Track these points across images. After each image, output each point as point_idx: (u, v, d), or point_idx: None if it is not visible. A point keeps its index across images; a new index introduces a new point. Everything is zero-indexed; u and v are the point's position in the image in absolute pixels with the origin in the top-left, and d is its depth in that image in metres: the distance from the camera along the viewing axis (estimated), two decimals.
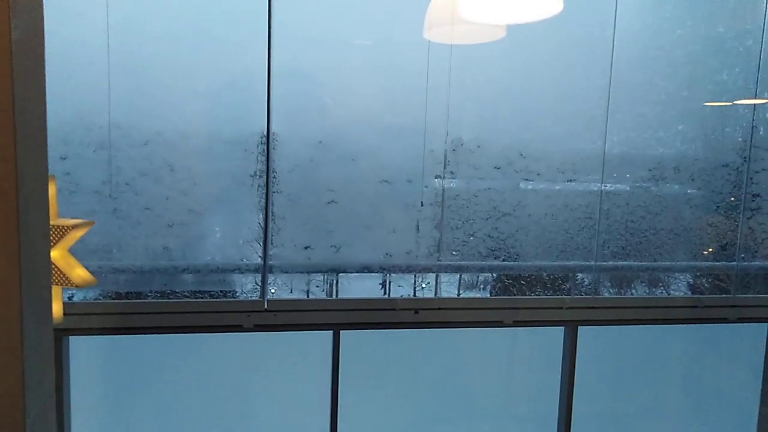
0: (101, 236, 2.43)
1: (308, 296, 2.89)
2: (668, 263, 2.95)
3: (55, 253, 1.47)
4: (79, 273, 1.55)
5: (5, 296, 0.65)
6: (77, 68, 2.34)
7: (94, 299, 2.60)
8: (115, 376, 2.74)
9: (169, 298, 2.58)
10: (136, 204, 2.43)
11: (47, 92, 0.80)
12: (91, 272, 1.69)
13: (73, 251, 1.72)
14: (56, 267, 1.47)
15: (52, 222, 1.46)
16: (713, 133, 2.88)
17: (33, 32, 0.69)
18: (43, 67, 0.72)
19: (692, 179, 2.87)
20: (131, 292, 2.61)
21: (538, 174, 2.74)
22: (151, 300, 2.56)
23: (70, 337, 2.51)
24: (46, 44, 0.79)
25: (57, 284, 1.50)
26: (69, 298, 2.54)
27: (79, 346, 2.55)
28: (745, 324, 3.08)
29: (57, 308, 1.55)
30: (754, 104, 2.87)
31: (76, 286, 1.51)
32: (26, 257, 0.62)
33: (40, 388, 0.74)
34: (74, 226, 1.48)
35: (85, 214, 2.37)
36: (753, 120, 2.88)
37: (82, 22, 2.32)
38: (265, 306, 2.55)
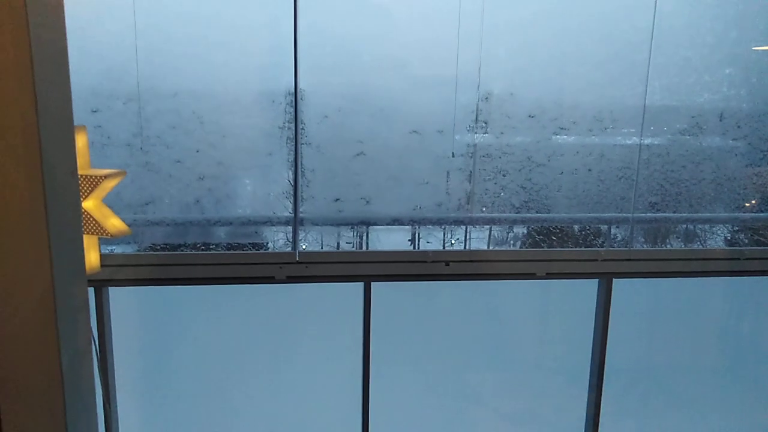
0: (134, 190, 2.46)
1: (338, 249, 2.89)
2: (708, 215, 2.84)
3: (89, 204, 1.48)
4: (114, 223, 1.57)
5: (35, 247, 0.65)
6: (105, 21, 2.31)
7: (132, 252, 2.66)
8: (154, 326, 2.83)
9: (203, 251, 2.62)
10: (167, 157, 2.44)
11: (74, 44, 0.78)
12: (125, 224, 1.71)
13: (107, 204, 1.74)
14: (91, 217, 1.49)
15: (84, 172, 1.47)
16: (762, 77, 2.71)
17: None
18: (63, 18, 0.70)
19: (738, 126, 2.72)
20: (166, 245, 2.66)
21: (574, 122, 2.63)
22: (186, 252, 2.60)
23: (110, 288, 2.59)
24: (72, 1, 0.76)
25: (92, 234, 1.52)
26: (110, 250, 2.61)
27: (119, 297, 2.63)
28: None
29: (94, 258, 1.59)
30: None
31: (111, 236, 1.53)
32: (53, 206, 0.62)
33: (74, 338, 0.75)
34: (106, 176, 1.49)
35: (118, 167, 2.39)
36: None
37: None
38: (297, 258, 2.57)
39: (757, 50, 2.68)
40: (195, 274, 2.53)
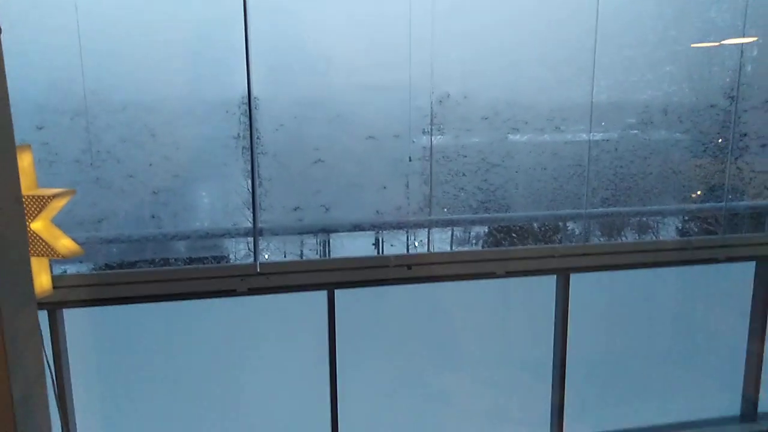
0: (86, 207, 2.38)
1: (302, 258, 2.88)
2: (658, 207, 2.96)
3: (37, 225, 1.43)
4: (65, 243, 1.52)
5: None
6: (48, 34, 2.24)
7: (86, 272, 2.58)
8: (113, 347, 2.75)
9: (161, 266, 2.56)
10: (118, 172, 2.38)
11: (17, 59, 0.76)
12: (79, 245, 1.66)
13: (58, 223, 1.68)
14: (40, 239, 1.44)
15: (31, 192, 1.42)
16: (701, 73, 2.85)
17: None
18: None
19: (680, 121, 2.85)
20: (122, 262, 2.59)
21: (526, 123, 2.70)
22: (143, 269, 2.54)
23: (64, 310, 2.50)
24: (11, 10, 0.74)
25: (43, 256, 1.47)
26: (63, 271, 2.52)
27: (74, 319, 2.54)
28: (733, 264, 3.13)
29: (45, 281, 1.53)
30: (742, 42, 2.83)
31: (63, 257, 1.48)
32: None
33: (25, 365, 0.73)
34: (55, 196, 1.45)
35: (68, 185, 2.32)
36: (741, 58, 2.84)
37: None
38: (258, 269, 2.54)
39: (696, 48, 2.81)
40: (153, 291, 2.47)
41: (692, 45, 2.80)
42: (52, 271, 1.77)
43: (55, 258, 1.47)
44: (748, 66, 2.85)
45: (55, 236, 1.50)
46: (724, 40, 2.82)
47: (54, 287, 1.67)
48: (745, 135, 2.91)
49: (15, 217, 0.68)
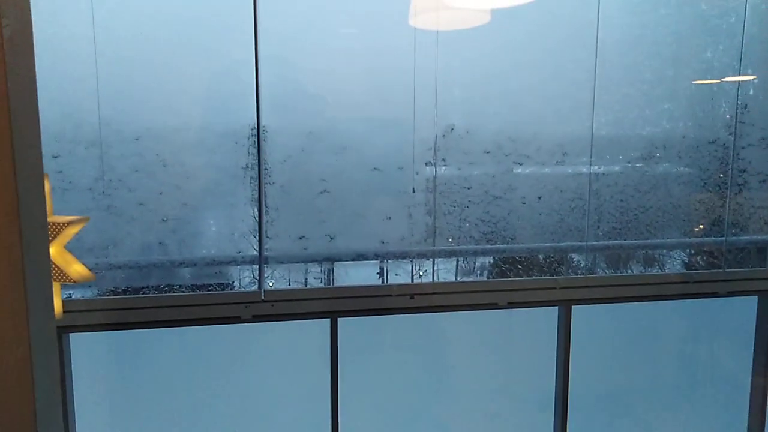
0: (96, 233, 2.44)
1: (306, 286, 2.91)
2: (659, 240, 2.99)
3: (51, 250, 1.48)
4: (77, 269, 1.57)
5: (10, 294, 0.67)
6: (64, 65, 2.34)
7: (93, 297, 2.62)
8: (117, 371, 2.77)
9: (167, 293, 2.60)
10: (129, 200, 2.45)
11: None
12: (88, 269, 1.71)
13: (69, 249, 1.74)
14: (54, 264, 1.49)
15: (47, 219, 1.47)
16: (699, 110, 2.92)
17: (22, 30, 0.71)
18: (34, 64, 0.74)
19: (680, 157, 2.90)
20: (129, 288, 2.63)
21: (528, 157, 2.76)
22: (149, 295, 2.58)
23: (70, 334, 2.54)
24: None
25: (55, 281, 1.52)
26: (68, 296, 2.56)
27: (79, 343, 2.58)
28: (736, 297, 3.13)
29: (57, 305, 1.58)
30: (739, 81, 2.90)
31: (74, 282, 1.53)
32: (28, 255, 0.65)
33: (47, 383, 0.77)
34: (69, 223, 1.50)
35: (80, 212, 2.39)
36: (737, 96, 2.91)
37: (68, 18, 2.32)
38: (262, 296, 2.58)
39: (694, 85, 2.88)
40: (159, 317, 2.51)
41: (691, 82, 2.87)
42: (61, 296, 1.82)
43: (67, 283, 1.52)
44: (746, 104, 2.92)
45: (67, 262, 1.55)
46: (721, 79, 2.89)
47: (63, 311, 1.71)
48: (744, 171, 2.96)
49: (43, 243, 0.73)
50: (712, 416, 3.39)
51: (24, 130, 0.69)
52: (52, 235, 1.48)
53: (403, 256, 2.79)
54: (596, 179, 2.84)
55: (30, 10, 0.80)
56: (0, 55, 0.64)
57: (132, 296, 2.56)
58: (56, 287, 1.55)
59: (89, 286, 2.65)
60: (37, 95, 0.75)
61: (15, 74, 0.67)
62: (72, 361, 2.56)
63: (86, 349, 2.64)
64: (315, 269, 3.03)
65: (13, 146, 0.64)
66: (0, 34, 0.64)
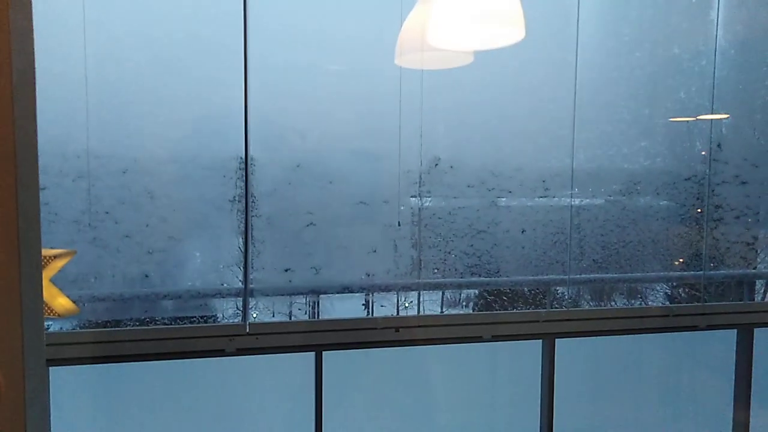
0: (81, 265, 2.44)
1: (290, 318, 2.91)
2: (639, 274, 3.05)
3: None
4: (62, 302, 1.57)
5: (8, 326, 0.69)
6: (55, 98, 2.37)
7: (73, 329, 2.59)
8: (98, 406, 2.72)
9: (150, 326, 2.58)
10: (115, 232, 2.45)
11: None
12: (72, 301, 1.70)
13: (53, 281, 1.74)
14: None
15: None
16: (675, 148, 3.02)
17: (28, 63, 0.74)
18: (35, 100, 0.77)
19: (657, 193, 2.99)
20: (112, 321, 2.61)
21: (510, 192, 2.83)
22: (131, 328, 2.56)
23: (50, 367, 2.50)
24: None
25: None
26: (47, 328, 2.53)
27: (59, 377, 2.53)
28: (715, 330, 3.18)
29: None
30: (711, 120, 3.02)
31: (59, 316, 1.52)
32: (25, 287, 0.66)
33: (38, 417, 0.77)
34: (56, 256, 1.51)
35: (65, 244, 2.38)
36: (711, 135, 3.02)
37: (60, 52, 2.36)
38: (247, 330, 2.57)
39: (670, 123, 2.99)
40: (142, 350, 2.48)
41: (667, 121, 2.98)
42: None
43: (52, 317, 1.52)
44: (719, 143, 3.03)
45: (53, 295, 1.55)
46: (695, 117, 3.01)
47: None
48: (720, 207, 3.05)
49: (38, 274, 0.74)
50: None
51: (26, 168, 0.72)
52: None
53: (388, 288, 2.80)
54: (577, 213, 2.90)
55: (33, 44, 0.83)
56: (9, 91, 0.67)
57: (113, 329, 2.53)
58: None
59: (70, 319, 2.62)
60: (36, 134, 0.78)
61: (22, 110, 0.70)
62: (51, 395, 2.51)
63: (66, 383, 2.59)
64: (300, 301, 3.03)
65: (17, 184, 0.66)
66: (10, 68, 0.67)
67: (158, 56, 2.47)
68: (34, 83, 0.77)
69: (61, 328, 2.59)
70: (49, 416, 2.44)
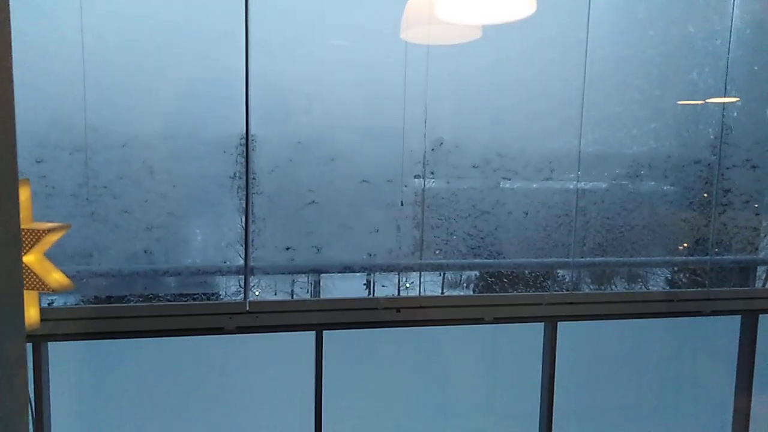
0: (79, 240, 2.41)
1: (292, 297, 2.88)
2: (644, 259, 3.01)
3: (30, 258, 1.45)
4: (56, 277, 1.54)
5: None
6: (51, 70, 2.32)
7: (75, 305, 2.58)
8: (97, 382, 2.72)
9: (151, 302, 2.56)
10: (114, 207, 2.41)
11: (22, 95, 0.80)
12: (70, 277, 1.68)
13: (50, 256, 1.71)
14: (32, 272, 1.46)
15: (26, 226, 1.45)
16: (685, 130, 2.95)
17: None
18: (11, 67, 0.72)
19: (665, 176, 2.93)
20: (111, 297, 2.59)
21: (516, 173, 2.77)
22: (130, 304, 2.54)
23: (49, 342, 2.49)
24: (20, 47, 0.79)
25: (33, 289, 1.49)
26: (49, 303, 2.52)
27: (59, 352, 2.53)
28: (719, 317, 3.15)
29: (34, 313, 1.54)
30: (723, 102, 2.95)
31: (53, 291, 1.50)
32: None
33: (11, 397, 0.74)
34: (49, 230, 1.47)
35: (62, 218, 2.35)
36: (723, 117, 2.95)
37: (56, 23, 2.30)
38: (247, 308, 2.55)
39: (680, 106, 2.92)
40: (141, 327, 2.47)
41: (677, 103, 2.91)
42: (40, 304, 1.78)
43: (46, 291, 1.49)
44: (730, 126, 2.96)
45: (47, 270, 1.52)
46: (706, 99, 2.93)
47: (42, 320, 1.68)
48: (729, 191, 3.00)
49: (14, 251, 0.71)
50: None
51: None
52: (31, 243, 1.45)
53: (390, 269, 2.77)
54: (583, 196, 2.85)
55: (8, 12, 0.78)
56: None
57: (113, 305, 2.51)
58: (34, 296, 1.52)
59: (70, 294, 2.60)
60: (13, 96, 0.74)
61: None
62: (50, 371, 2.50)
63: (65, 359, 2.59)
64: (302, 279, 3.01)
65: None
66: None
67: (159, 32, 2.41)
68: (9, 56, 0.72)
69: (65, 303, 2.57)
70: (37, 394, 2.44)
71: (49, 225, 1.51)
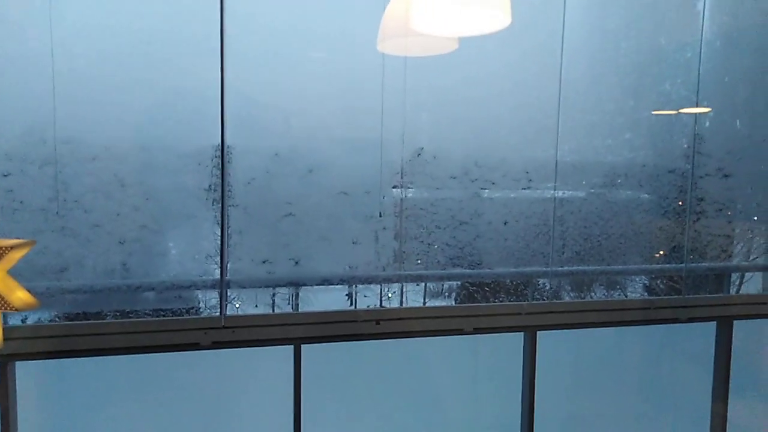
0: (49, 256, 2.34)
1: (273, 309, 2.84)
2: (621, 267, 3.03)
3: None
4: (20, 296, 1.49)
5: None
6: (20, 84, 2.26)
7: (49, 321, 2.50)
8: (68, 402, 2.63)
9: (127, 318, 2.50)
10: (85, 221, 2.35)
11: None
12: (40, 294, 1.62)
13: (18, 272, 1.65)
14: None
15: None
16: (659, 140, 3.00)
17: None
18: None
19: (641, 185, 2.97)
20: (85, 313, 2.52)
21: (494, 183, 2.78)
22: (102, 321, 2.47)
23: (16, 362, 2.41)
24: None
25: None
26: (22, 320, 2.44)
27: (28, 372, 2.44)
28: (695, 324, 3.19)
29: None
30: (696, 113, 3.00)
31: (17, 310, 1.44)
32: None
33: None
34: (12, 247, 1.42)
35: (31, 233, 2.28)
36: (695, 127, 3.01)
37: (25, 36, 2.25)
38: (223, 323, 2.50)
39: (654, 116, 2.96)
40: (114, 344, 2.40)
41: (651, 113, 2.95)
42: (6, 322, 1.71)
43: (9, 311, 1.44)
44: (702, 136, 3.01)
45: (10, 288, 1.46)
46: (679, 110, 2.98)
47: (7, 339, 1.62)
48: (702, 200, 3.04)
49: None
50: None
51: None
52: None
53: (369, 280, 2.75)
54: (560, 205, 2.87)
55: None
56: None
57: (82, 323, 2.44)
58: None
59: (42, 311, 2.53)
60: None
61: None
62: (17, 391, 2.42)
63: (34, 379, 2.50)
64: (284, 291, 2.97)
65: None
66: None
67: (132, 42, 2.37)
68: None
69: (39, 320, 2.50)
70: (5, 414, 2.36)
71: (13, 242, 1.45)
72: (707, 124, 3.02)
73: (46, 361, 2.41)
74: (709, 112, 3.01)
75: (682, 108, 2.98)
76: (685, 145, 3.01)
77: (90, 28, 2.31)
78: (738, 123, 3.08)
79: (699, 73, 2.97)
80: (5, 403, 2.32)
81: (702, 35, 2.96)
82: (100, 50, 2.33)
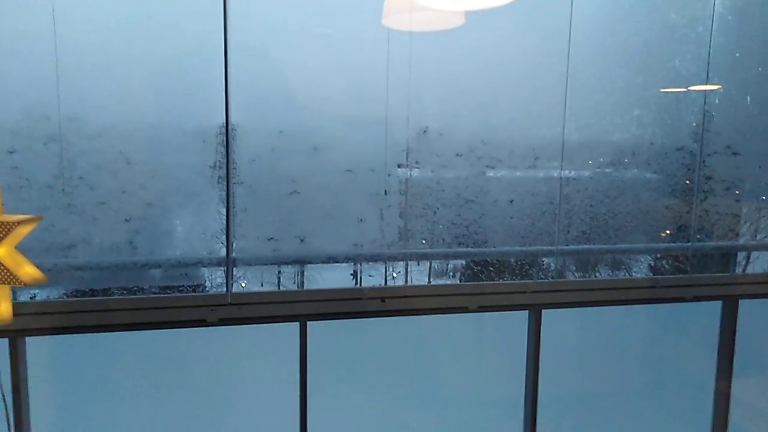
0: (55, 233, 2.35)
1: (279, 288, 2.85)
2: (627, 245, 3.02)
3: (0, 251, 1.41)
4: (28, 270, 1.50)
5: None
6: (24, 59, 2.25)
7: (56, 299, 2.52)
8: (77, 377, 2.67)
9: (134, 295, 2.52)
10: (90, 199, 2.36)
11: None
12: (46, 270, 1.63)
13: (26, 249, 1.66)
14: (2, 265, 1.41)
15: None
16: (668, 118, 2.96)
17: None
18: None
19: (648, 163, 2.94)
20: (92, 290, 2.54)
21: (500, 161, 2.76)
22: (110, 297, 2.50)
23: (26, 338, 2.44)
24: None
25: (4, 283, 1.45)
26: (31, 297, 2.47)
27: (38, 347, 2.48)
28: (701, 303, 3.19)
29: (5, 308, 1.50)
30: (705, 90, 2.95)
31: (25, 285, 1.45)
32: None
33: None
34: (20, 222, 1.43)
35: (37, 210, 2.29)
36: (704, 105, 2.96)
37: (28, 12, 2.23)
38: (229, 300, 2.52)
39: (662, 94, 2.92)
40: (121, 320, 2.43)
41: (660, 91, 2.91)
42: (15, 298, 1.73)
43: (18, 285, 1.45)
44: (711, 113, 2.97)
45: (18, 263, 1.47)
46: (688, 87, 2.94)
47: (17, 314, 1.63)
48: (710, 178, 3.01)
49: None
50: (677, 418, 3.44)
51: None
52: (2, 235, 1.40)
53: (374, 258, 2.75)
54: (567, 184, 2.85)
55: None
56: None
57: (91, 298, 2.47)
58: (5, 290, 1.47)
59: (51, 287, 2.55)
60: None
61: None
62: (28, 366, 2.46)
63: (44, 353, 2.54)
64: (289, 270, 2.97)
65: None
66: None
67: (136, 19, 2.34)
68: None
69: (48, 297, 2.52)
70: (15, 389, 2.40)
71: (20, 217, 1.46)
72: (717, 101, 2.98)
73: (56, 336, 2.44)
74: (719, 89, 2.96)
75: (692, 85, 2.94)
76: (694, 123, 2.97)
77: (93, 2, 2.29)
78: (748, 100, 3.03)
79: (710, 49, 2.91)
80: (15, 379, 2.36)
81: (714, 9, 2.90)
82: (103, 26, 2.31)
